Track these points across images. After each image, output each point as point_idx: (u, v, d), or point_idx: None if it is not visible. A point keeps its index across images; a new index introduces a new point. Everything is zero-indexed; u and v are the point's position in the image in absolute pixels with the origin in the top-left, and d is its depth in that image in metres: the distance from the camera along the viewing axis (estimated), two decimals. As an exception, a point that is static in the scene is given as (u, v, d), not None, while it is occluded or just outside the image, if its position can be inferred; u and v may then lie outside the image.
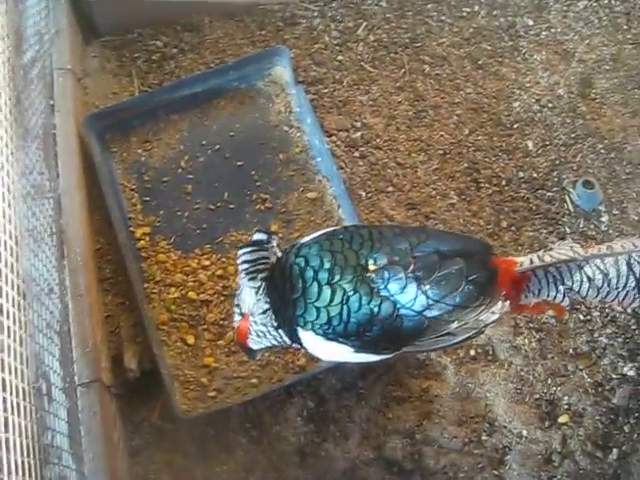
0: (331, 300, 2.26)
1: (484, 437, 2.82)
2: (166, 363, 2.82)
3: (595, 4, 3.73)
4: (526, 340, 2.96)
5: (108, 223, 3.07)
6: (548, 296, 2.37)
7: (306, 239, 2.43)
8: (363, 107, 3.44)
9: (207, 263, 3.04)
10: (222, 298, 2.97)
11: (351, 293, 2.24)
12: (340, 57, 3.57)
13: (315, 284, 2.27)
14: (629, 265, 2.30)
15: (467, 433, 2.83)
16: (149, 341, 2.80)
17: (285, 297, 2.32)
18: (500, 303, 2.33)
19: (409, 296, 2.24)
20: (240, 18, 3.67)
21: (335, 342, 2.33)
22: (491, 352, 2.95)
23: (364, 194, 3.23)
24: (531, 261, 2.35)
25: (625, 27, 3.68)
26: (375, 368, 2.86)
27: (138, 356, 2.82)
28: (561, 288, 2.34)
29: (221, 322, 2.94)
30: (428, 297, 2.24)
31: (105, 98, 3.45)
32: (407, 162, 3.32)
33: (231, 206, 3.17)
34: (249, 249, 2.32)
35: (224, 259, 3.05)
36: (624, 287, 2.32)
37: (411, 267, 2.25)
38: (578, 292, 2.35)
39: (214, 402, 2.81)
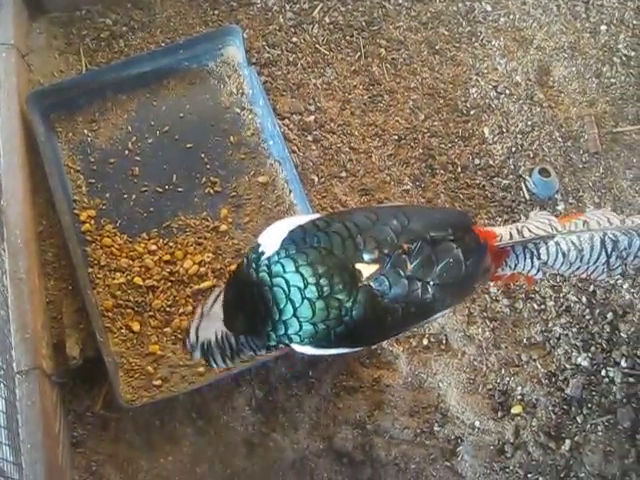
0: (328, 314, 2.14)
1: (436, 428, 2.79)
2: (110, 351, 2.76)
3: (554, -9, 3.71)
4: (480, 329, 2.93)
5: (51, 205, 2.98)
6: (523, 269, 2.39)
7: (268, 248, 2.23)
8: (317, 90, 3.37)
9: (154, 248, 2.96)
10: (169, 284, 2.91)
11: (349, 305, 2.13)
12: (295, 39, 3.49)
13: (306, 302, 2.14)
14: (602, 242, 2.32)
15: (419, 424, 2.80)
16: (93, 328, 2.72)
17: (270, 318, 2.19)
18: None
19: (415, 296, 2.17)
20: (193, -4, 3.58)
21: (336, 349, 2.29)
22: (444, 341, 2.91)
23: (317, 179, 3.17)
24: (510, 235, 2.34)
25: (584, 16, 3.65)
26: (326, 357, 2.80)
27: (81, 343, 2.74)
28: (537, 263, 2.36)
29: (167, 309, 2.87)
30: (434, 292, 2.19)
31: (51, 76, 3.34)
32: (361, 147, 3.26)
33: (180, 189, 3.09)
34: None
35: (171, 244, 2.97)
36: (595, 262, 2.35)
37: (409, 266, 2.16)
38: (552, 266, 2.37)
39: (159, 391, 2.74)
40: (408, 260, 2.16)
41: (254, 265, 2.21)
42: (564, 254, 2.33)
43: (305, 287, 2.13)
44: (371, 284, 2.14)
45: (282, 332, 2.20)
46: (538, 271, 2.38)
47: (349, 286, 2.13)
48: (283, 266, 2.16)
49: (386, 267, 2.15)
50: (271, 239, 2.24)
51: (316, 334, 2.17)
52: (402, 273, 2.15)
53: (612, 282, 3.03)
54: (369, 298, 2.14)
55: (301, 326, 2.17)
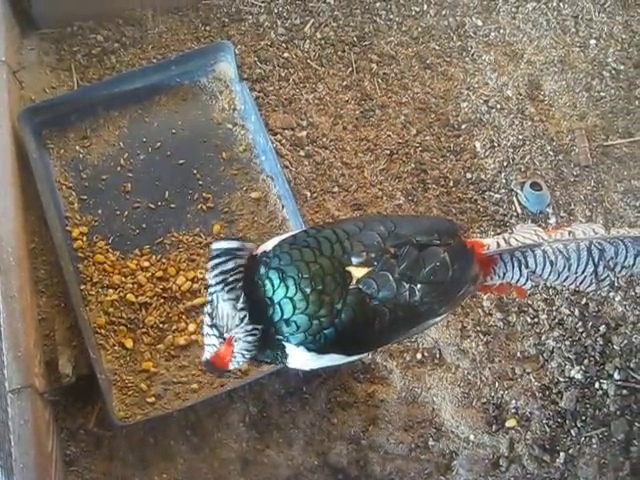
0: (319, 309, 2.17)
1: (431, 442, 2.79)
2: (103, 368, 2.73)
3: (544, 6, 3.72)
4: (473, 343, 2.93)
5: (43, 222, 2.96)
6: (512, 279, 2.40)
7: (267, 248, 2.29)
8: (309, 105, 3.38)
9: (147, 264, 2.95)
10: (162, 300, 2.89)
11: (339, 307, 2.17)
12: (286, 54, 3.49)
13: (300, 293, 2.17)
14: (589, 250, 2.35)
15: (414, 438, 2.79)
16: (85, 345, 2.70)
17: (262, 311, 2.20)
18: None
19: (403, 299, 2.20)
20: (184, 13, 3.58)
21: (327, 355, 2.28)
22: (438, 355, 2.91)
23: (309, 194, 3.17)
24: (498, 244, 2.37)
25: (573, 30, 3.67)
26: (320, 372, 2.79)
27: (74, 361, 2.72)
28: (525, 272, 2.37)
29: (160, 325, 2.85)
30: (421, 295, 2.22)
31: (42, 92, 3.32)
32: (353, 162, 3.26)
33: (172, 206, 3.08)
34: (224, 258, 2.15)
35: (164, 260, 2.96)
36: (583, 272, 2.37)
37: (397, 269, 2.20)
38: (540, 275, 2.38)
39: (153, 408, 2.72)
40: (396, 263, 2.20)
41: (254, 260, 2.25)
42: (552, 262, 2.35)
43: (300, 279, 2.17)
44: (360, 287, 2.18)
45: (278, 317, 2.19)
46: (527, 280, 2.39)
47: (340, 287, 2.18)
48: (280, 259, 2.21)
49: (375, 270, 2.19)
50: (267, 244, 2.31)
51: (310, 328, 2.18)
52: (390, 276, 2.19)
53: (604, 295, 3.04)
54: (358, 300, 2.18)
55: (295, 310, 2.17)
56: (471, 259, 2.34)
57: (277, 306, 2.19)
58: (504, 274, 2.39)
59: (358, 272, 2.19)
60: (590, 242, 2.35)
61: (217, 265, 2.15)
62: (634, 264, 2.36)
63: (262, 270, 2.22)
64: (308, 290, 2.17)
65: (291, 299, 2.18)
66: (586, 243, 2.35)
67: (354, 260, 2.20)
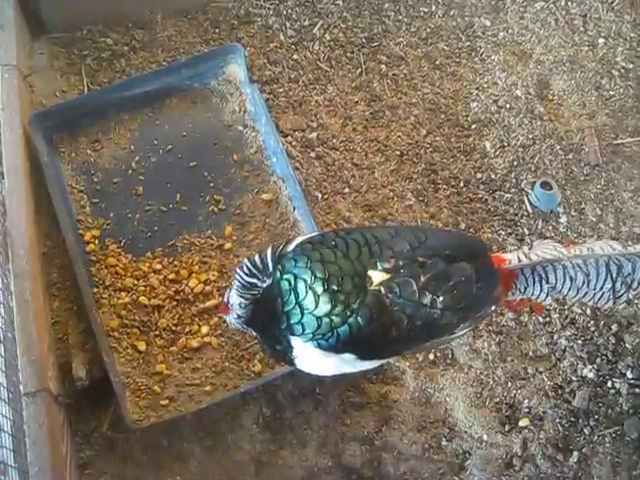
0: (333, 308, 2.18)
1: (444, 442, 2.79)
2: (116, 371, 2.74)
3: (552, 5, 3.72)
4: (485, 343, 2.93)
5: (56, 226, 2.97)
6: (532, 294, 2.41)
7: (290, 247, 2.32)
8: (319, 107, 3.38)
9: (159, 267, 2.96)
10: (174, 303, 2.90)
11: (355, 306, 2.18)
12: (296, 56, 3.50)
13: (311, 293, 2.20)
14: (607, 266, 2.35)
15: (427, 439, 2.79)
16: (99, 348, 2.71)
17: (276, 313, 2.25)
18: None
19: (423, 309, 2.21)
20: (193, 16, 3.59)
21: (336, 355, 2.29)
22: (450, 356, 2.91)
23: (320, 195, 3.17)
24: (518, 259, 2.37)
25: (582, 29, 3.67)
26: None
27: (87, 364, 2.73)
28: (545, 287, 2.38)
29: (173, 328, 2.86)
30: (442, 308, 2.23)
31: (53, 97, 3.34)
32: (364, 163, 3.27)
33: (184, 208, 3.09)
34: (249, 270, 2.25)
35: (176, 263, 2.97)
36: (601, 288, 2.37)
37: (422, 278, 2.21)
38: (560, 291, 2.39)
39: (167, 411, 2.73)
40: (422, 273, 2.21)
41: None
42: (572, 278, 2.36)
43: (313, 281, 2.19)
44: (381, 289, 2.19)
45: (284, 325, 2.24)
46: (547, 296, 2.40)
47: (358, 288, 2.18)
48: (295, 261, 2.24)
49: (399, 276, 2.20)
50: (292, 243, 2.34)
51: (319, 328, 2.20)
52: (414, 284, 2.20)
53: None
54: (377, 302, 2.19)
55: (303, 314, 2.20)
56: (496, 280, 2.35)
57: (283, 315, 2.24)
58: (525, 289, 2.40)
59: (380, 276, 2.20)
60: (609, 258, 2.35)
61: (242, 275, 2.26)
62: None
63: (277, 274, 2.25)
64: (320, 290, 2.19)
65: (299, 304, 2.21)
66: (605, 259, 2.35)
67: (380, 265, 2.21)
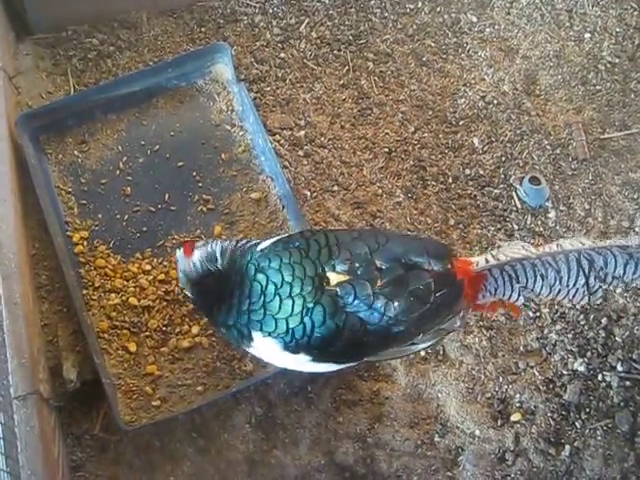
0: (292, 310, 2.23)
1: (437, 438, 2.79)
2: (107, 372, 2.73)
3: (538, 1, 3.72)
4: (476, 339, 2.94)
5: (44, 228, 2.96)
6: (504, 295, 2.39)
7: (263, 245, 2.38)
8: (307, 105, 3.38)
9: (148, 267, 2.95)
10: (164, 303, 2.89)
11: (311, 305, 2.22)
12: (282, 54, 3.50)
13: (277, 298, 2.25)
14: (578, 261, 2.34)
15: (419, 435, 2.80)
16: (89, 350, 2.70)
17: (240, 303, 2.31)
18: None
19: (377, 314, 2.23)
20: (179, 15, 3.57)
21: (293, 354, 2.31)
22: (441, 352, 2.92)
23: (309, 194, 3.17)
24: (486, 261, 2.37)
25: (567, 24, 3.68)
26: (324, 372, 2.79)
27: (78, 366, 2.72)
28: (516, 286, 2.37)
29: (164, 328, 2.85)
30: (397, 314, 2.24)
31: (39, 98, 3.32)
32: (352, 161, 3.27)
33: (172, 208, 3.08)
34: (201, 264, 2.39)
35: (166, 263, 2.96)
36: (574, 284, 2.36)
37: (378, 282, 2.22)
38: (532, 290, 2.37)
39: (158, 411, 2.72)
40: (379, 277, 2.23)
41: (246, 255, 2.35)
42: (543, 276, 2.35)
43: (281, 286, 2.24)
44: (337, 290, 2.22)
45: (244, 320, 2.30)
46: (519, 296, 2.39)
47: (316, 288, 2.22)
48: (270, 261, 2.29)
49: (356, 279, 2.22)
50: (267, 242, 2.40)
51: (277, 328, 2.25)
52: (369, 287, 2.22)
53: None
54: (332, 303, 2.23)
55: (265, 315, 2.27)
56: (458, 292, 2.35)
57: (246, 313, 2.30)
58: (495, 290, 2.39)
59: (337, 278, 2.24)
60: (579, 253, 2.34)
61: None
62: (624, 273, 2.34)
63: (251, 271, 2.31)
64: (285, 295, 2.25)
65: (265, 306, 2.27)
66: (575, 254, 2.34)
67: (338, 267, 2.25)
